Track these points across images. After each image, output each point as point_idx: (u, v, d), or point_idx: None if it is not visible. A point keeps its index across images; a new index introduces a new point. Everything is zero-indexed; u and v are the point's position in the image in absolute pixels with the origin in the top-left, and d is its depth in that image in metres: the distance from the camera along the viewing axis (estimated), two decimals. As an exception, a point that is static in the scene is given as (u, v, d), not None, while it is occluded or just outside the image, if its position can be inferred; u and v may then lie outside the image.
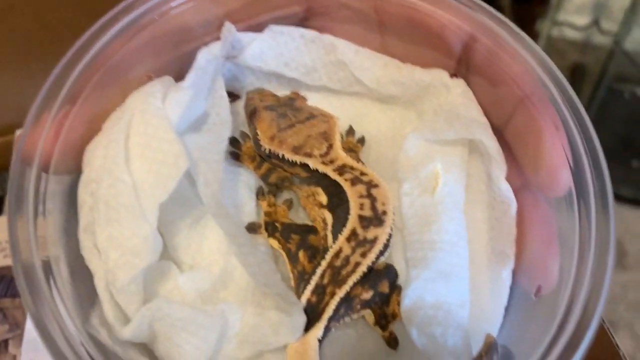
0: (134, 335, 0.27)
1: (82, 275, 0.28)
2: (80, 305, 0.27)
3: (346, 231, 0.30)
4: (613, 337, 0.34)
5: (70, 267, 0.28)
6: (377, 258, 0.30)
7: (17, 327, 0.46)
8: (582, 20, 0.92)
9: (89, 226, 0.29)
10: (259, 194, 0.34)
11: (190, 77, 0.32)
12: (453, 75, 0.35)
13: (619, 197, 0.91)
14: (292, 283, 0.31)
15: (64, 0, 0.56)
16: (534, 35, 0.87)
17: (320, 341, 0.28)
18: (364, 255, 0.29)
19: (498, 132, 0.34)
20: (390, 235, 0.30)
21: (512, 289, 0.32)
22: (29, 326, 0.44)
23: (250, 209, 0.33)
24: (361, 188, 0.31)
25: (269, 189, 0.34)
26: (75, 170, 0.30)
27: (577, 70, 0.91)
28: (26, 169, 0.28)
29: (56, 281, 0.26)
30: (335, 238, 0.30)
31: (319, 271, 0.29)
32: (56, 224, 0.28)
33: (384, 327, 0.31)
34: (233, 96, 0.38)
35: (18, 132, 0.56)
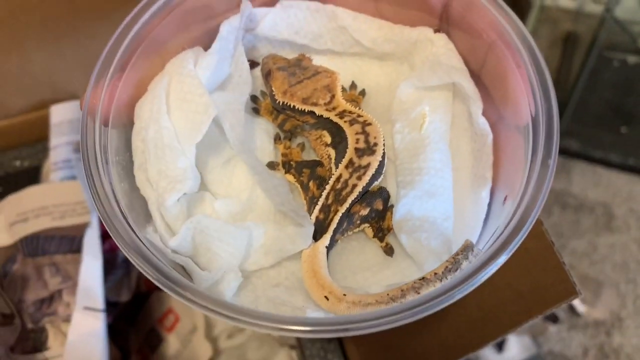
0: (179, 245, 0.34)
1: (137, 203, 0.36)
2: (138, 222, 0.34)
3: (344, 160, 0.36)
4: (565, 265, 0.40)
5: (129, 196, 0.35)
6: (371, 181, 0.36)
7: (69, 279, 0.53)
8: (575, -11, 0.94)
9: (141, 165, 0.36)
10: (277, 139, 0.41)
11: (215, 45, 0.39)
12: (437, 30, 0.41)
13: (607, 163, 0.94)
14: (305, 208, 0.38)
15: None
16: (528, 4, 0.90)
17: (327, 249, 0.35)
18: (359, 178, 0.36)
19: (477, 76, 0.40)
20: (380, 163, 0.36)
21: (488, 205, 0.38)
22: (83, 277, 0.52)
23: (269, 152, 0.40)
24: (357, 127, 0.37)
25: (284, 135, 0.41)
26: (127, 124, 0.38)
27: (569, 39, 0.93)
28: (92, 122, 0.35)
29: (121, 204, 0.33)
30: (337, 168, 0.37)
31: (324, 194, 0.36)
32: (116, 165, 0.36)
33: (381, 239, 0.37)
34: (253, 63, 0.45)
35: (53, 107, 0.63)
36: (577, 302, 0.97)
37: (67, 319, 0.51)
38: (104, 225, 0.32)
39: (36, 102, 0.66)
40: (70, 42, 0.64)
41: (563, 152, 0.97)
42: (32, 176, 0.63)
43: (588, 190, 0.95)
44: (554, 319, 0.95)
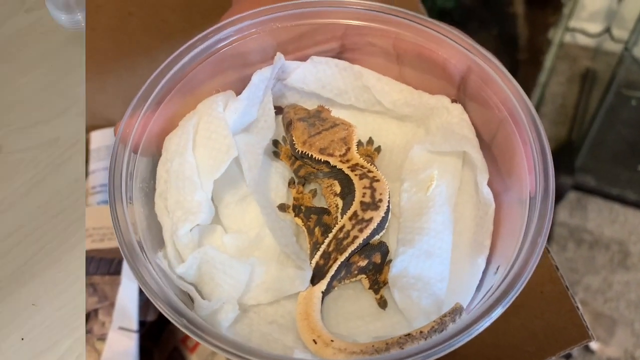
0: (185, 272, 0.37)
1: (154, 228, 0.39)
2: (152, 246, 0.37)
3: (349, 212, 0.39)
4: (580, 313, 0.41)
5: (147, 220, 0.38)
6: (372, 235, 0.38)
7: (106, 299, 0.55)
8: (595, 27, 0.94)
9: (162, 193, 0.39)
10: (291, 183, 0.44)
11: (246, 92, 0.43)
12: (454, 100, 0.44)
13: (624, 200, 0.93)
14: (309, 252, 0.40)
15: (136, 25, 0.68)
16: (547, 41, 0.91)
17: (323, 294, 0.37)
18: (361, 230, 0.38)
19: (488, 146, 0.42)
20: (383, 218, 0.38)
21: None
22: (120, 298, 0.55)
23: (282, 194, 0.43)
24: (366, 181, 0.40)
25: (298, 180, 0.44)
26: (155, 154, 0.41)
27: (588, 75, 0.93)
28: (123, 149, 0.39)
29: (138, 228, 0.36)
30: (342, 218, 0.39)
31: (326, 241, 0.38)
32: (139, 191, 0.39)
33: (376, 291, 0.39)
34: (280, 109, 0.48)
35: (92, 134, 0.66)
36: (590, 339, 0.95)
37: (101, 338, 0.54)
38: (119, 246, 0.35)
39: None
40: (111, 74, 0.69)
41: (579, 188, 0.97)
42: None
43: (604, 227, 0.95)
44: (567, 355, 0.94)
